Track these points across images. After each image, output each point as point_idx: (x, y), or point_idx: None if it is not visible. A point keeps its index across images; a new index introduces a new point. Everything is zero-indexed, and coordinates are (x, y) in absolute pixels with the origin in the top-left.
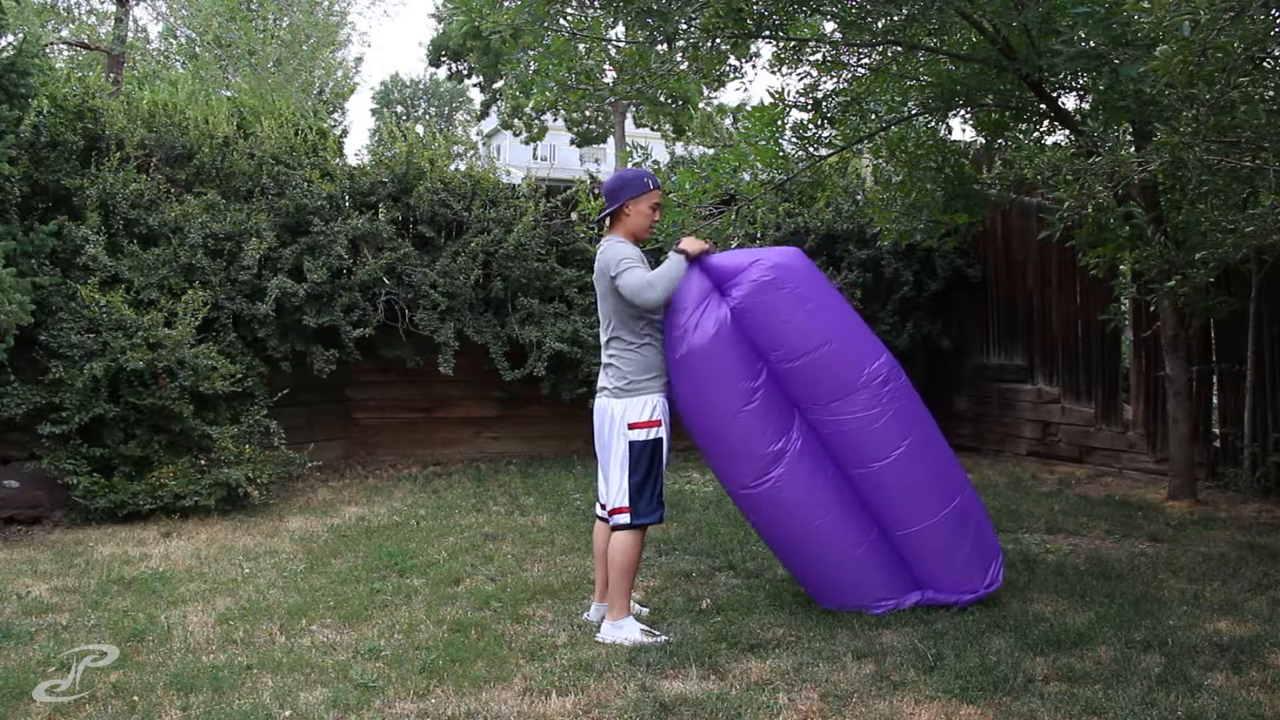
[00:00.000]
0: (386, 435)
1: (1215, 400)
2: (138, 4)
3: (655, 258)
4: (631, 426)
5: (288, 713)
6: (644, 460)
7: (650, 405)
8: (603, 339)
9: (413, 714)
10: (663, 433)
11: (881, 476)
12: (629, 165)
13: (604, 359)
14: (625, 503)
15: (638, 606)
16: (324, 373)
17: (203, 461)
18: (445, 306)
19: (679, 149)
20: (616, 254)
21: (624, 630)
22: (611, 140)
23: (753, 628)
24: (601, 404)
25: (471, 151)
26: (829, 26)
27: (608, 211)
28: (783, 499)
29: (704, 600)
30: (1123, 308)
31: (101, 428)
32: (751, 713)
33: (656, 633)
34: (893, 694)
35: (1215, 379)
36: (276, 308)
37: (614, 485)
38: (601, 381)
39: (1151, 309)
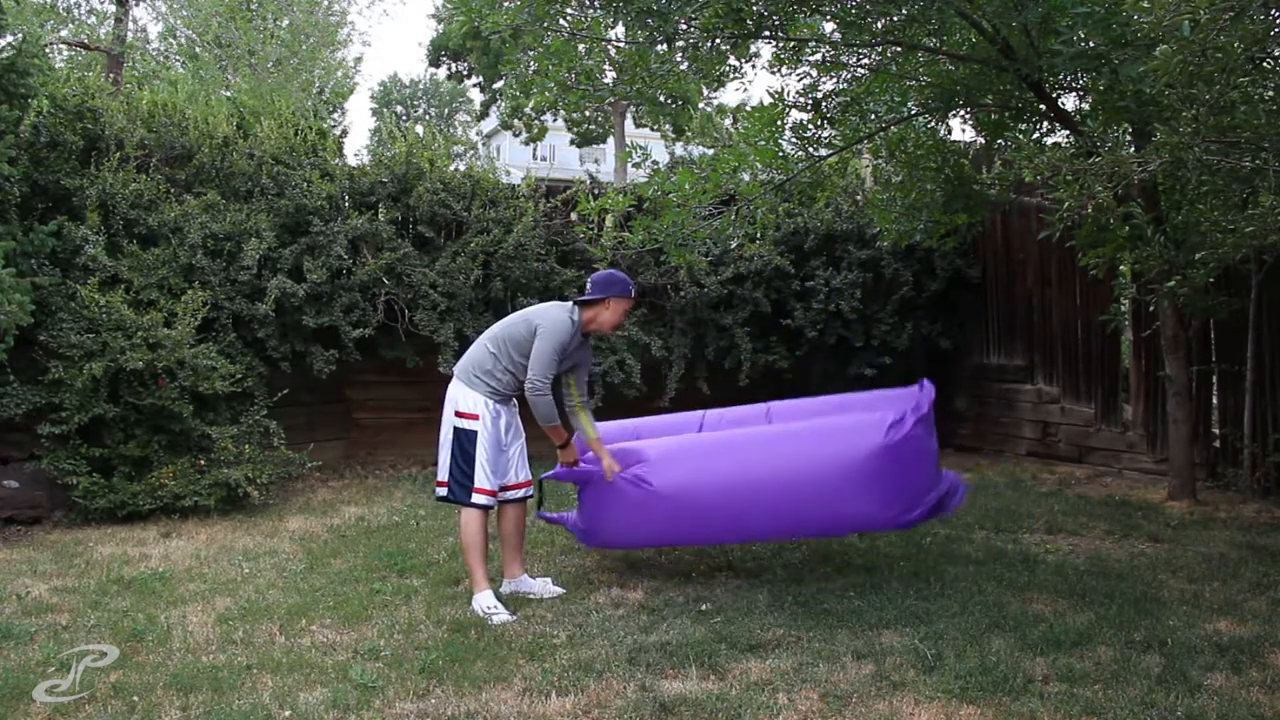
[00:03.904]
0: (386, 435)
1: (1215, 400)
2: (138, 4)
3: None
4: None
5: (288, 713)
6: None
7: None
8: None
9: (413, 714)
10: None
11: None
12: (628, 165)
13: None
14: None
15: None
16: (324, 373)
17: (202, 462)
18: (445, 307)
19: (679, 149)
20: (554, 323)
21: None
22: (611, 140)
23: (753, 628)
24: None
25: (471, 152)
26: (829, 26)
27: (590, 298)
28: None
29: (704, 602)
30: (1123, 308)
31: (101, 428)
32: (751, 713)
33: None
34: (893, 694)
35: (1215, 379)
36: (276, 308)
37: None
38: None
39: (1151, 309)
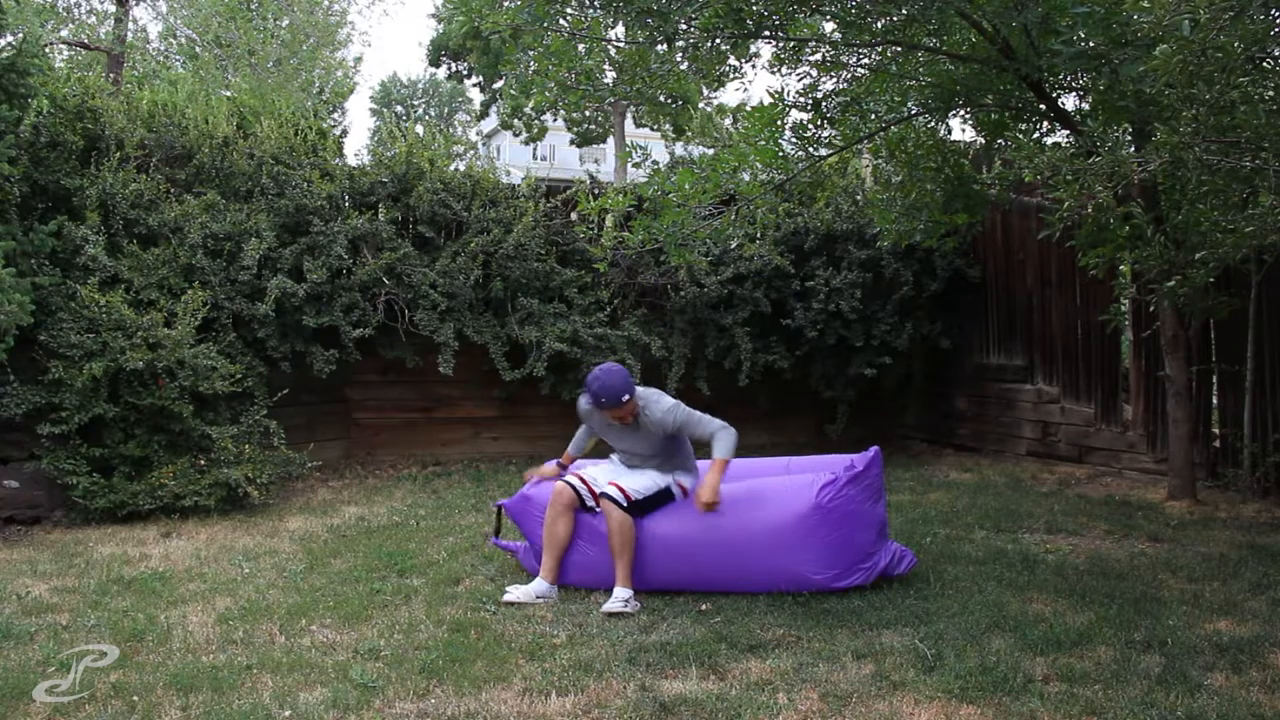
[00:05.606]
0: (386, 435)
1: (1215, 400)
2: (138, 4)
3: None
4: None
5: (288, 713)
6: None
7: None
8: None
9: (413, 714)
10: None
11: None
12: (628, 165)
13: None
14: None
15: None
16: (324, 373)
17: (202, 461)
18: (445, 306)
19: (679, 149)
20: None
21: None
22: (611, 140)
23: (753, 628)
24: None
25: (471, 151)
26: (829, 26)
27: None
28: None
29: (704, 602)
30: (1123, 308)
31: (101, 428)
32: (751, 713)
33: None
34: (893, 694)
35: (1215, 379)
36: (276, 308)
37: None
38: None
39: (1151, 309)
